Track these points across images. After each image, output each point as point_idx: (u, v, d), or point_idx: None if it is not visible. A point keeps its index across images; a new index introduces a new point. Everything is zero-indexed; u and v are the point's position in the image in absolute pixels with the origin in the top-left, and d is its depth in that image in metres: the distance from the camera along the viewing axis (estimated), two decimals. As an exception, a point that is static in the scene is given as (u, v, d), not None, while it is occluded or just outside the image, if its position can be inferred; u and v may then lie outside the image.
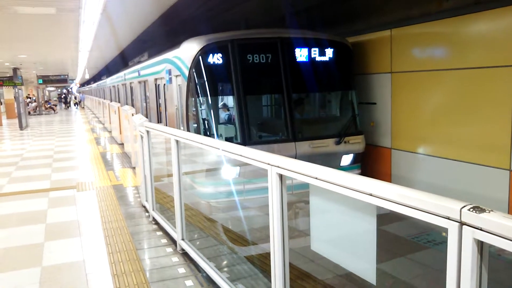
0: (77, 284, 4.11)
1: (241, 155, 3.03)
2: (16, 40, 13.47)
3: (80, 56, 19.34)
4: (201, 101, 6.93)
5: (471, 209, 1.39)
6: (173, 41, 9.60)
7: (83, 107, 43.29)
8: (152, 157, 5.82)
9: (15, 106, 23.49)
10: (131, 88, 15.12)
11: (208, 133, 6.81)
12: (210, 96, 6.95)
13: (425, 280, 4.68)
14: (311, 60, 7.35)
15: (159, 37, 12.82)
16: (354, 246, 2.31)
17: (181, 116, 7.74)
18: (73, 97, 53.92)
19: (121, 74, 18.22)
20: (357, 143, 7.51)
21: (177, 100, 7.96)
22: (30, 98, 35.06)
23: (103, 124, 20.77)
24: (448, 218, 1.45)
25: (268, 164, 2.63)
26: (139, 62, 14.20)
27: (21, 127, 20.37)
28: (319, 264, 4.16)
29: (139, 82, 13.08)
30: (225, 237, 5.40)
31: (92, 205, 6.73)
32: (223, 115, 7.69)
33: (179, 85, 7.72)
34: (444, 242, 1.54)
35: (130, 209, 6.47)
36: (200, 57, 6.85)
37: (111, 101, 19.99)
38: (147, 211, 6.15)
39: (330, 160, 7.21)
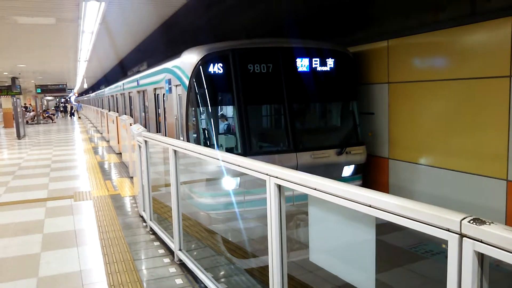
0: (74, 295, 4.07)
1: (239, 166, 3.03)
2: (15, 49, 13.51)
3: (79, 66, 19.37)
4: (201, 111, 6.85)
5: (471, 221, 1.38)
6: (172, 51, 9.62)
7: (80, 117, 42.87)
8: (150, 167, 5.81)
9: (13, 115, 23.43)
10: (130, 98, 14.94)
11: (208, 144, 6.72)
12: (210, 106, 6.88)
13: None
14: (312, 70, 7.31)
15: (158, 47, 12.87)
16: (353, 257, 2.30)
17: (181, 126, 7.66)
18: (68, 106, 53.25)
19: (119, 83, 18.01)
20: (358, 153, 7.42)
21: (177, 110, 7.90)
22: (26, 107, 35.00)
23: (101, 133, 20.76)
24: (448, 230, 1.45)
25: (267, 174, 2.63)
26: (138, 71, 14.09)
27: (18, 136, 20.32)
28: (317, 275, 4.13)
29: (138, 92, 12.97)
30: (224, 248, 5.37)
31: (90, 215, 6.70)
32: (223, 125, 7.60)
33: (179, 94, 7.66)
34: (442, 252, 1.53)
35: (127, 219, 6.44)
36: (200, 66, 6.78)
37: (109, 111, 19.84)
38: (144, 221, 6.12)
39: (331, 171, 7.13)
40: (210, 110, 6.90)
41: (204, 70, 6.77)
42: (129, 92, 14.92)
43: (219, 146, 6.73)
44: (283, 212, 2.59)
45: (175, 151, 4.42)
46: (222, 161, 3.37)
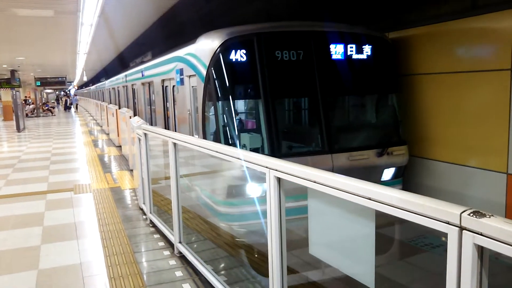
0: (74, 287, 4.08)
1: (238, 158, 3.02)
2: (14, 42, 13.46)
3: (78, 59, 19.31)
4: (221, 105, 5.88)
5: (471, 214, 1.38)
6: (172, 44, 9.43)
7: (75, 111, 41.89)
8: (150, 159, 5.81)
9: (13, 108, 23.41)
10: (133, 90, 13.97)
11: (229, 143, 5.82)
12: (231, 99, 5.94)
13: (424, 284, 4.67)
14: (348, 57, 6.38)
15: (157, 39, 12.79)
16: (352, 250, 2.30)
17: (195, 122, 6.86)
18: (64, 99, 51.68)
19: (121, 75, 17.05)
20: (401, 154, 6.51)
21: (190, 104, 7.02)
22: (26, 100, 34.91)
23: (101, 126, 20.74)
24: (448, 223, 1.44)
25: (266, 167, 2.62)
26: (142, 62, 13.14)
27: (18, 129, 20.31)
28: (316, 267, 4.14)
29: (143, 84, 12.00)
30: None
31: (90, 208, 6.71)
32: (246, 122, 6.80)
33: (192, 86, 6.83)
34: (441, 245, 1.53)
35: (127, 212, 6.44)
36: (220, 53, 5.84)
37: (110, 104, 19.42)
38: (144, 213, 6.13)
39: (370, 175, 6.29)
40: (231, 104, 5.94)
41: (225, 57, 5.84)
42: (133, 84, 13.98)
43: (242, 146, 5.91)
44: (283, 205, 2.59)
45: (174, 144, 4.41)
46: (220, 153, 3.36)
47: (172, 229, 4.77)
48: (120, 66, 21.03)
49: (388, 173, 6.59)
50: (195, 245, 5.07)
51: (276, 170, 2.54)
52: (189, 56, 6.88)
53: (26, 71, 26.45)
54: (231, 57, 5.82)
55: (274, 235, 2.61)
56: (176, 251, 4.68)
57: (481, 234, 1.34)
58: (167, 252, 4.81)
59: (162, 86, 9.31)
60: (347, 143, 6.33)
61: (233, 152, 3.17)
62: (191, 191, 6.55)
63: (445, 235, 1.48)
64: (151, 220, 5.76)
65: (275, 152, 5.71)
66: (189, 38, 7.41)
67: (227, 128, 5.82)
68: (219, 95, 5.90)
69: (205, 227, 5.74)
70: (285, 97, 6.84)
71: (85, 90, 51.32)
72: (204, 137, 6.14)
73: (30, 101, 38.09)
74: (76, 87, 61.57)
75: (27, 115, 29.77)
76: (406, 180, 6.94)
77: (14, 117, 21.91)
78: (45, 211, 6.60)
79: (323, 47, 6.23)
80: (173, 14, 9.45)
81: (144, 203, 6.13)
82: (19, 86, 26.29)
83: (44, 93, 54.55)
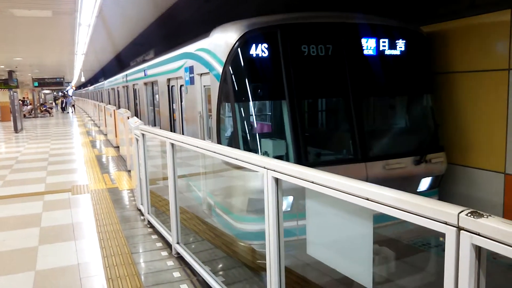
0: (71, 288, 4.07)
1: (235, 159, 3.01)
2: (12, 42, 13.44)
3: (76, 59, 19.29)
4: (240, 107, 5.21)
5: (469, 214, 1.37)
6: (172, 43, 9.22)
7: (69, 112, 40.84)
8: (148, 160, 5.80)
9: (10, 109, 23.37)
10: (135, 90, 13.26)
11: (248, 149, 5.16)
12: (252, 100, 5.28)
13: (422, 284, 4.67)
14: (381, 54, 5.74)
15: (156, 39, 12.76)
16: (350, 250, 2.30)
17: (207, 126, 6.27)
18: (60, 100, 49.91)
19: (122, 75, 16.27)
20: (439, 162, 5.85)
21: (202, 106, 6.38)
22: (23, 101, 34.78)
23: (99, 127, 20.71)
24: (446, 223, 1.44)
25: (264, 167, 2.62)
26: (144, 61, 12.53)
27: (16, 130, 20.26)
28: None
29: (146, 84, 11.25)
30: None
31: (87, 208, 6.69)
32: (269, 125, 6.08)
33: (205, 86, 6.23)
34: (439, 245, 1.52)
35: (125, 213, 6.43)
36: (239, 48, 5.16)
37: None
38: (142, 214, 6.12)
39: (406, 185, 5.63)
40: (251, 106, 5.32)
41: (244, 52, 5.15)
42: (134, 84, 13.25)
43: (264, 153, 5.22)
44: (281, 206, 2.59)
45: (172, 144, 4.40)
46: (217, 153, 3.35)
47: (170, 230, 4.76)
48: (119, 66, 21.00)
49: (425, 183, 5.98)
50: (193, 246, 5.07)
51: (273, 171, 2.53)
52: (201, 52, 6.19)
53: (24, 71, 26.41)
54: (251, 52, 5.13)
55: (272, 235, 2.61)
56: (174, 252, 4.67)
57: (478, 234, 1.33)
58: (164, 253, 4.79)
59: (168, 85, 8.61)
60: (382, 150, 5.65)
61: (229, 152, 3.17)
62: (203, 203, 6.15)
63: (443, 235, 1.47)
64: (149, 221, 5.75)
65: (302, 160, 5.09)
66: (189, 37, 7.23)
67: (246, 133, 5.20)
68: (237, 95, 5.24)
69: (203, 228, 5.73)
70: (313, 97, 6.08)
71: (83, 90, 51.18)
72: (219, 142, 5.52)
73: (27, 101, 37.99)
74: (74, 88, 61.45)
75: (24, 116, 29.71)
76: (441, 190, 6.31)
77: (11, 118, 21.86)
78: (43, 212, 6.58)
79: (354, 41, 5.57)
80: (171, 13, 9.43)
81: (142, 204, 6.12)
82: (17, 87, 26.25)
83: (42, 94, 54.42)
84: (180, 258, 4.57)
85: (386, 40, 5.76)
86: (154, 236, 5.35)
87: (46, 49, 15.61)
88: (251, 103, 5.30)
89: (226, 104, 5.43)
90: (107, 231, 5.58)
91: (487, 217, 1.33)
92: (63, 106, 43.88)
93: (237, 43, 5.18)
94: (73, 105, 45.62)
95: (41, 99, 49.31)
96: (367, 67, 5.66)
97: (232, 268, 4.58)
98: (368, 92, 5.87)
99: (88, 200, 7.18)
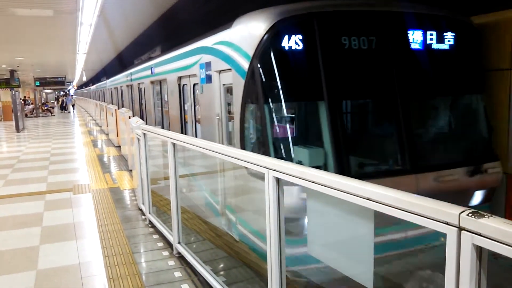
0: (73, 287, 4.07)
1: (236, 158, 3.01)
2: (13, 42, 13.46)
3: (77, 59, 19.31)
4: (270, 109, 4.47)
5: (470, 214, 1.37)
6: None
7: (69, 112, 40.20)
8: (149, 159, 5.80)
9: (12, 108, 23.40)
10: (140, 90, 12.41)
11: (281, 157, 4.40)
12: (284, 101, 4.51)
13: (423, 284, 4.65)
14: (428, 48, 4.97)
15: (160, 37, 12.71)
16: (351, 250, 2.29)
17: (226, 130, 5.63)
18: (60, 100, 49.15)
19: (125, 73, 15.35)
20: (495, 172, 5.10)
21: (220, 107, 5.68)
22: (25, 100, 34.81)
23: (100, 126, 20.72)
24: (447, 223, 1.44)
25: (265, 167, 2.62)
26: (150, 58, 11.66)
27: (17, 129, 20.29)
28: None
29: (152, 83, 10.46)
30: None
31: (89, 208, 6.70)
32: (303, 131, 5.21)
33: (224, 84, 5.54)
34: (440, 245, 1.52)
35: (126, 212, 6.44)
36: (270, 40, 4.43)
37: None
38: (143, 214, 6.12)
39: (459, 199, 4.99)
40: (284, 108, 4.55)
41: (275, 45, 4.41)
42: (139, 83, 12.40)
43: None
44: (282, 206, 2.59)
45: (173, 144, 4.40)
46: (218, 153, 3.35)
47: (171, 230, 4.77)
48: (121, 65, 20.97)
49: (478, 197, 5.26)
50: (194, 246, 5.07)
51: (275, 171, 2.53)
52: (221, 45, 5.45)
53: (26, 71, 26.46)
54: (283, 45, 4.38)
55: (273, 235, 2.61)
56: (175, 252, 4.68)
57: (479, 235, 1.33)
58: (166, 253, 4.80)
59: (179, 84, 7.84)
60: (434, 159, 4.97)
61: (230, 152, 3.17)
62: (221, 217, 5.57)
63: (444, 235, 1.47)
64: (150, 221, 5.76)
65: (344, 171, 4.38)
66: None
67: (277, 138, 4.49)
68: (267, 95, 4.49)
69: (204, 228, 5.73)
70: (355, 98, 5.24)
71: (85, 90, 51.17)
72: (243, 148, 4.78)
73: (29, 101, 38.05)
74: (75, 87, 61.54)
75: (26, 115, 29.75)
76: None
77: (13, 117, 21.90)
78: (44, 211, 6.59)
79: (400, 33, 4.83)
80: (173, 13, 9.41)
81: (143, 204, 6.13)
82: (19, 86, 26.27)
83: (44, 93, 54.52)
84: (181, 257, 4.57)
85: (434, 33, 4.98)
86: (155, 236, 5.36)
87: (47, 48, 15.63)
88: (283, 104, 4.51)
89: (253, 105, 4.69)
90: (108, 231, 5.59)
91: (488, 217, 1.33)
92: (63, 105, 43.41)
93: (267, 34, 4.42)
94: (73, 105, 45.12)
95: (42, 99, 49.38)
96: (414, 63, 4.92)
97: (233, 268, 4.58)
98: (417, 93, 5.04)
99: (90, 200, 7.19)
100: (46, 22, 9.93)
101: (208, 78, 5.94)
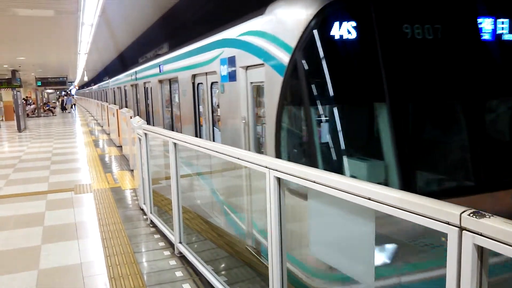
0: (74, 287, 4.08)
1: (237, 158, 3.01)
2: (15, 42, 13.49)
3: (79, 59, 19.33)
4: (318, 112, 3.65)
5: (471, 214, 1.37)
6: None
7: (70, 112, 39.98)
8: (150, 159, 5.80)
9: (14, 108, 23.44)
10: (146, 89, 11.60)
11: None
12: (335, 102, 3.66)
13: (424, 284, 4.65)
14: (499, 38, 4.11)
15: (161, 37, 12.68)
16: (352, 250, 2.29)
17: (254, 135, 4.86)
18: (60, 99, 48.41)
19: (129, 72, 14.48)
20: None
21: (247, 109, 4.87)
22: (26, 100, 34.81)
23: (102, 126, 20.75)
24: (448, 223, 1.44)
25: (266, 167, 2.62)
26: (157, 55, 10.92)
27: (19, 129, 20.32)
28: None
29: (160, 82, 9.63)
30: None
31: (90, 208, 6.70)
32: (360, 139, 4.12)
33: (252, 82, 4.77)
34: (441, 245, 1.52)
35: (128, 212, 6.44)
36: (318, 27, 3.61)
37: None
38: (145, 214, 6.13)
39: None
40: (334, 111, 3.67)
41: (325, 33, 3.60)
42: (145, 82, 11.59)
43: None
44: (283, 205, 2.59)
45: (175, 144, 4.41)
46: (219, 152, 3.35)
47: (173, 229, 4.77)
48: (123, 65, 20.91)
49: None
50: (195, 245, 5.07)
51: (276, 170, 2.53)
52: (250, 36, 4.64)
53: (27, 71, 26.50)
54: (332, 34, 3.57)
55: (274, 235, 2.61)
56: (176, 251, 4.68)
57: (481, 235, 1.33)
58: (167, 252, 4.80)
59: (193, 83, 6.98)
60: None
61: (231, 152, 3.16)
62: (244, 232, 4.98)
63: (446, 235, 1.47)
64: (151, 220, 5.76)
65: (411, 188, 3.54)
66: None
67: (327, 148, 3.65)
68: (314, 94, 3.67)
69: (205, 227, 5.74)
70: (424, 100, 4.08)
71: (86, 90, 51.16)
72: (278, 157, 3.96)
73: (31, 101, 38.09)
74: (77, 87, 61.60)
75: (28, 115, 29.79)
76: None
77: (15, 117, 21.94)
78: (46, 211, 6.60)
79: (470, 21, 4.00)
80: (174, 13, 9.39)
81: (144, 203, 6.13)
82: (20, 86, 26.31)
83: (45, 93, 54.59)
84: (182, 257, 4.58)
85: (507, 21, 4.13)
86: (157, 236, 5.36)
87: (49, 48, 15.66)
88: (333, 106, 3.65)
89: (294, 107, 3.94)
90: (109, 230, 5.59)
91: (489, 217, 1.33)
92: (63, 105, 42.99)
93: (314, 20, 3.63)
94: (73, 105, 44.67)
95: (44, 99, 49.43)
96: (487, 57, 4.08)
97: (235, 268, 4.58)
98: (492, 94, 4.21)
99: (91, 199, 7.20)
100: (48, 22, 9.94)
101: (231, 76, 5.18)
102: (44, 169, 10.13)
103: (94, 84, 39.99)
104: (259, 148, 4.79)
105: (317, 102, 3.66)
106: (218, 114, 5.92)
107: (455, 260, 1.42)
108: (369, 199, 1.81)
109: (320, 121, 3.66)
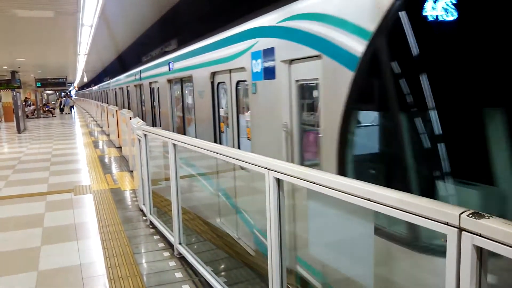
0: (74, 288, 4.08)
1: (237, 159, 3.01)
2: (14, 43, 13.49)
3: (78, 60, 19.33)
4: (412, 119, 2.64)
5: (470, 215, 1.37)
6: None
7: (67, 113, 39.30)
8: (150, 160, 5.80)
9: (13, 109, 23.44)
10: (152, 90, 10.71)
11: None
12: (436, 106, 2.59)
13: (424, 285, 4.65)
14: None
15: (157, 40, 12.69)
16: (351, 250, 2.29)
17: (299, 146, 3.85)
18: (59, 101, 48.33)
19: (133, 72, 13.57)
20: None
21: (291, 113, 3.89)
22: (26, 101, 34.73)
23: (101, 127, 20.74)
24: (447, 224, 1.44)
25: (266, 168, 2.61)
26: (164, 53, 9.79)
27: (18, 130, 20.32)
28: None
29: (170, 81, 8.76)
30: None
31: (90, 209, 6.70)
32: (466, 157, 2.84)
33: (298, 80, 3.82)
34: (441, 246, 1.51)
35: (127, 213, 6.44)
36: (407, 5, 2.62)
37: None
38: (144, 215, 6.12)
39: None
40: (433, 117, 2.62)
41: (416, 12, 2.62)
42: (151, 82, 10.71)
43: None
44: (283, 206, 2.59)
45: (174, 145, 4.41)
46: (217, 153, 3.35)
47: (172, 230, 4.77)
48: (123, 65, 20.74)
49: None
50: (195, 246, 5.07)
51: (275, 171, 2.53)
52: (297, 21, 3.68)
53: (27, 72, 26.50)
54: (427, 13, 2.61)
55: (273, 236, 2.60)
56: (176, 252, 4.68)
57: (480, 235, 1.33)
58: (167, 253, 4.80)
59: (212, 82, 6.04)
60: None
61: (230, 153, 3.16)
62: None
63: (445, 236, 1.47)
64: (151, 221, 5.76)
65: None
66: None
67: (424, 169, 2.65)
68: (402, 96, 2.65)
69: (205, 228, 5.73)
70: None
71: (86, 91, 51.08)
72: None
73: (30, 102, 38.08)
74: (76, 88, 61.59)
75: (27, 116, 29.78)
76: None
77: (14, 118, 21.94)
78: (45, 212, 6.60)
79: None
80: (174, 14, 9.38)
81: (144, 204, 6.13)
82: (20, 87, 26.32)
83: (45, 94, 54.58)
84: (182, 258, 4.57)
85: None
86: (156, 237, 5.36)
87: (48, 49, 15.66)
88: (432, 113, 2.60)
89: (369, 113, 3.08)
90: (109, 232, 5.59)
91: (488, 218, 1.33)
92: (61, 106, 41.99)
93: None
94: (72, 106, 43.97)
95: (43, 100, 49.40)
96: None
97: (234, 269, 4.58)
98: None
99: (91, 201, 7.19)
100: (47, 23, 9.95)
101: (268, 72, 4.22)
102: (44, 170, 10.13)
103: (94, 85, 39.85)
104: (301, 160, 3.82)
105: (407, 107, 2.63)
106: (247, 120, 4.99)
107: (454, 261, 1.42)
108: (369, 200, 1.81)
109: (416, 131, 2.63)
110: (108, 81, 23.34)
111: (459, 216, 1.39)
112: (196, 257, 4.27)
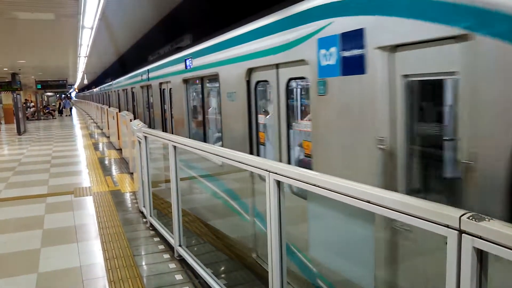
0: (74, 290, 4.08)
1: (238, 162, 3.02)
2: (15, 45, 13.51)
3: (79, 62, 19.35)
4: None
5: (471, 217, 1.37)
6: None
7: (67, 115, 39.10)
8: (150, 162, 5.80)
9: (14, 111, 23.45)
10: (163, 91, 9.31)
11: None
12: None
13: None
14: None
15: (159, 42, 12.65)
16: (352, 252, 2.29)
17: (406, 169, 2.54)
18: (57, 103, 47.13)
19: (139, 72, 12.14)
20: None
21: (391, 124, 2.61)
22: (26, 103, 34.70)
23: (102, 129, 20.75)
24: (447, 226, 1.44)
25: (266, 170, 2.62)
26: (177, 49, 8.67)
27: (19, 132, 20.32)
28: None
29: (186, 81, 7.26)
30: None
31: (90, 211, 6.70)
32: None
33: (406, 75, 2.53)
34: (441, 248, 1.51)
35: (127, 215, 6.44)
36: None
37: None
38: (144, 216, 6.12)
39: None
40: None
41: None
42: (161, 83, 9.21)
43: None
44: (283, 208, 2.59)
45: (174, 147, 4.41)
46: (219, 155, 3.35)
47: (172, 232, 4.77)
48: (125, 66, 20.47)
49: None
50: (195, 248, 5.06)
51: (275, 174, 2.53)
52: None
53: (27, 74, 26.53)
54: None
55: (273, 237, 2.61)
56: (176, 254, 4.68)
57: (480, 238, 1.33)
58: (167, 255, 4.80)
59: (248, 81, 4.69)
60: None
61: (232, 156, 3.17)
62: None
63: (445, 238, 1.47)
64: (151, 223, 5.76)
65: None
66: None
67: None
68: None
69: (205, 230, 5.73)
70: None
71: (87, 92, 51.03)
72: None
73: (31, 104, 38.08)
74: (77, 90, 61.62)
75: (27, 118, 29.79)
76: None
77: (15, 120, 21.95)
78: (45, 214, 6.60)
79: None
80: (175, 15, 9.38)
81: (144, 206, 6.13)
82: (20, 89, 26.33)
83: (45, 96, 54.60)
84: (182, 260, 4.57)
85: None
86: (156, 239, 5.36)
87: (49, 51, 15.68)
88: None
89: None
90: (109, 234, 5.59)
91: (488, 220, 1.33)
92: (60, 108, 41.41)
93: None
94: (70, 108, 43.53)
95: (44, 102, 49.41)
96: None
97: (234, 271, 4.58)
98: None
99: (91, 203, 7.19)
100: (48, 26, 9.96)
101: (351, 64, 2.96)
102: (44, 172, 10.13)
103: (95, 87, 39.73)
104: (418, 192, 2.57)
105: None
106: (307, 130, 3.86)
107: (454, 263, 1.42)
108: (368, 202, 1.81)
109: None
110: (110, 83, 21.79)
111: (460, 219, 1.39)
112: (196, 259, 4.27)
